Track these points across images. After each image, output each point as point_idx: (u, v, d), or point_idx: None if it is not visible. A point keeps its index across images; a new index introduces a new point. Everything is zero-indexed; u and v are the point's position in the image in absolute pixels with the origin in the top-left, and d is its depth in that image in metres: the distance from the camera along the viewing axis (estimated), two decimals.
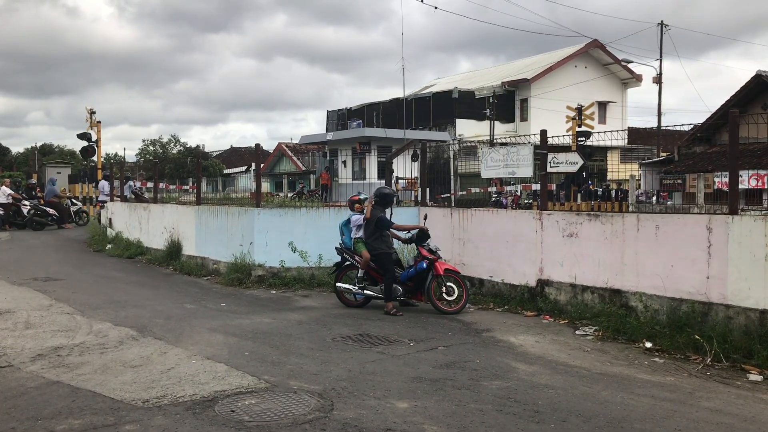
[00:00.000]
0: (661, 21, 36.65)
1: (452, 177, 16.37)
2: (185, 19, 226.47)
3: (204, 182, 20.20)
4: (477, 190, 21.67)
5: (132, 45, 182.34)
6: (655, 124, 37.83)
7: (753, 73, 26.56)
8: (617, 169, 27.91)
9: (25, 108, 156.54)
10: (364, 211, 9.75)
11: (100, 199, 23.19)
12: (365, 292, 9.73)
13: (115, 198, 20.28)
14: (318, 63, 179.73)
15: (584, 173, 23.17)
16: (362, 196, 10.18)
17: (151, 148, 71.46)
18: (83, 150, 26.04)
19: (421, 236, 9.76)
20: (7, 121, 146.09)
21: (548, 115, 34.28)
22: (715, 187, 25.12)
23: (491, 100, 36.95)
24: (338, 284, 9.97)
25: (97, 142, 25.76)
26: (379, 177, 26.45)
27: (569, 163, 9.94)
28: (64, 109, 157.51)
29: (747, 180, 22.26)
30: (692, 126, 25.39)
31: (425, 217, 10.42)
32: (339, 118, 46.08)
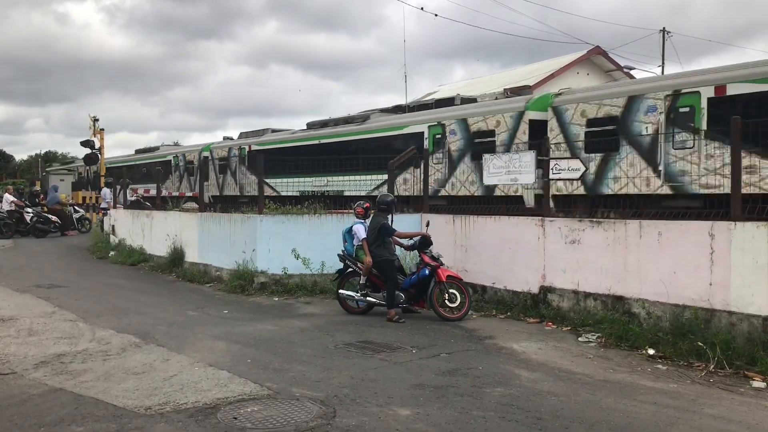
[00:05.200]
0: (663, 28, 36.71)
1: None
2: (177, 25, 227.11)
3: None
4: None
5: (125, 52, 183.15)
6: None
7: None
8: None
9: (23, 115, 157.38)
10: (359, 213, 10.05)
11: (102, 206, 23.26)
12: (367, 299, 9.73)
13: (117, 205, 20.33)
14: (312, 70, 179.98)
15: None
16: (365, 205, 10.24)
17: None
18: (86, 157, 26.11)
19: (424, 243, 9.77)
20: (7, 128, 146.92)
21: None
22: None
23: None
24: (340, 291, 9.97)
25: (100, 149, 25.84)
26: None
27: (571, 169, 9.93)
28: (62, 116, 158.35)
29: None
30: None
31: (427, 224, 10.42)
32: None
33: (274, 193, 19.51)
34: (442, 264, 9.65)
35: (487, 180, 11.15)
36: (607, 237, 8.59)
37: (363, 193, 16.36)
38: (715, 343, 6.89)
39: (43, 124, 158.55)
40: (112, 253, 17.95)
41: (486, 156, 11.12)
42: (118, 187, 21.02)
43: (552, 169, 9.93)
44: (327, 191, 17.87)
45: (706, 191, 11.92)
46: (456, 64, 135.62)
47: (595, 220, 8.88)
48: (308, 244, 11.72)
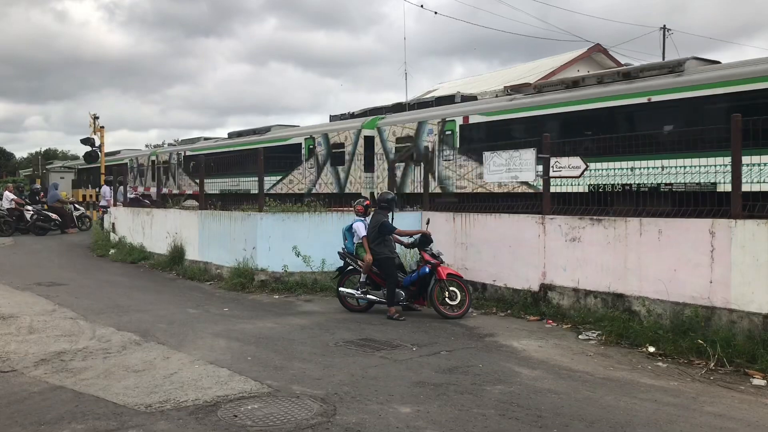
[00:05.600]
0: (664, 26, 36.69)
1: None
2: (176, 23, 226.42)
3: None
4: None
5: (124, 50, 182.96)
6: None
7: None
8: None
9: (22, 113, 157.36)
10: (359, 211, 10.09)
11: (101, 204, 23.26)
12: (368, 296, 9.73)
13: (117, 203, 20.33)
14: (311, 68, 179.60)
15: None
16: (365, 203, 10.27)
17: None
18: (87, 155, 26.12)
19: (424, 241, 9.77)
20: (6, 126, 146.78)
21: None
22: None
23: None
24: (341, 289, 9.97)
25: (100, 147, 25.84)
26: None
27: (572, 167, 9.91)
28: (62, 114, 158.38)
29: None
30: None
31: (428, 222, 10.43)
32: None
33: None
34: (442, 262, 9.65)
35: (488, 177, 11.14)
36: (608, 235, 8.59)
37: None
38: (716, 340, 6.89)
39: (42, 121, 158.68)
40: (112, 250, 17.94)
41: (486, 154, 11.11)
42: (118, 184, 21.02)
43: (552, 167, 9.92)
44: (239, 190, 20.74)
45: (459, 191, 15.88)
46: (455, 61, 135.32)
47: (595, 218, 8.88)
48: (308, 242, 11.71)
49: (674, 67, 13.22)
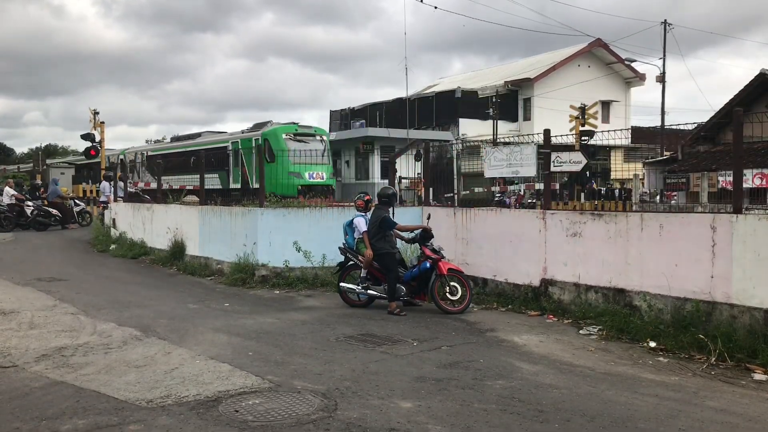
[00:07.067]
0: (665, 20, 36.60)
1: (455, 176, 16.35)
2: (173, 18, 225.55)
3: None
4: (480, 189, 21.65)
5: (122, 45, 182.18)
6: (657, 124, 37.71)
7: (744, 70, 26.46)
8: (620, 169, 27.86)
9: (21, 109, 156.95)
10: (359, 206, 10.06)
11: (101, 200, 23.23)
12: (368, 292, 9.73)
13: (118, 198, 20.32)
14: (309, 63, 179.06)
15: (587, 172, 23.15)
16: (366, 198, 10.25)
17: None
18: (87, 150, 26.06)
19: (425, 236, 9.76)
20: (5, 121, 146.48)
21: (551, 115, 34.19)
22: (719, 186, 24.97)
23: (494, 100, 36.91)
24: (342, 284, 9.97)
25: (100, 142, 25.80)
26: (383, 177, 26.44)
27: (572, 162, 9.91)
28: (61, 109, 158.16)
29: (751, 179, 22.17)
30: (696, 125, 25.11)
31: (428, 217, 10.42)
32: (342, 118, 46.04)
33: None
34: (443, 257, 9.64)
35: (489, 173, 11.15)
36: (609, 230, 8.58)
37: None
38: (717, 335, 6.89)
39: (42, 117, 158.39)
40: (113, 246, 17.94)
41: (487, 149, 11.12)
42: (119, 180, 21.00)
43: (553, 161, 9.92)
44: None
45: (146, 189, 26.63)
46: (454, 56, 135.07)
47: (596, 213, 8.87)
48: (309, 237, 11.70)
49: (196, 135, 29.41)
